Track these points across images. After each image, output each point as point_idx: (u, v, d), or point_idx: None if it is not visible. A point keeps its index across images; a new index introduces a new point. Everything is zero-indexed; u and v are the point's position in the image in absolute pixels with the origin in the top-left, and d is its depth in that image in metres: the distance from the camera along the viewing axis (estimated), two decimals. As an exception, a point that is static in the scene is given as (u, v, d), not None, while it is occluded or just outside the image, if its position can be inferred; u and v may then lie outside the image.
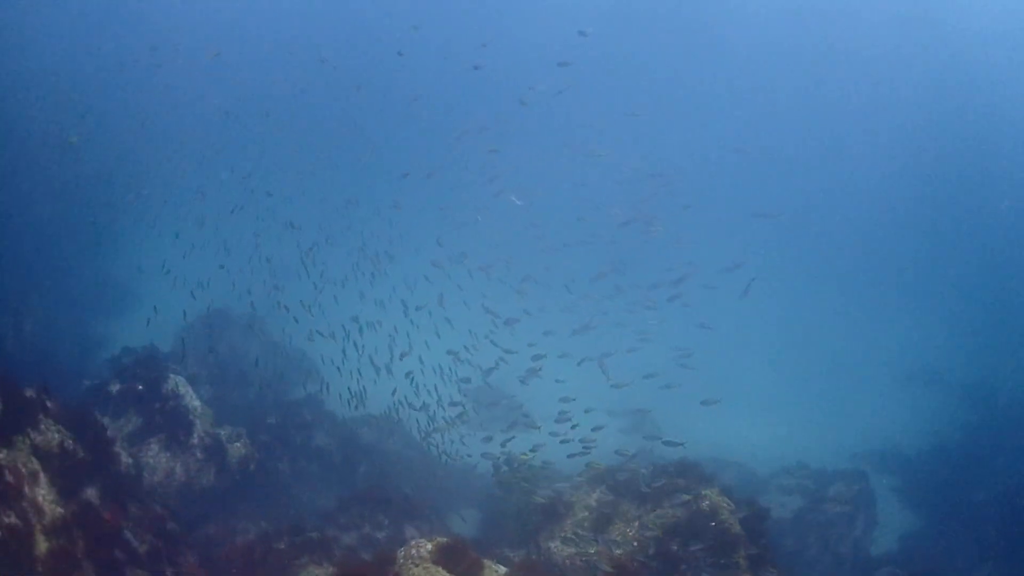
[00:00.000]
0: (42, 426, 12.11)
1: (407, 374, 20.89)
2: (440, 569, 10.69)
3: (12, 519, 9.86)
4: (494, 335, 21.09)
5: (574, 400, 18.51)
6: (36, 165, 33.66)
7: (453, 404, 20.51)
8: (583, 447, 15.87)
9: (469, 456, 19.68)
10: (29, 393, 12.57)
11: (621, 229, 26.09)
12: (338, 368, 21.52)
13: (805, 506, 23.31)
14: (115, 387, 17.55)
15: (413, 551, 11.07)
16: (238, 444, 18.40)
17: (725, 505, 14.06)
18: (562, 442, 16.68)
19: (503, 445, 17.97)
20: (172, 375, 18.58)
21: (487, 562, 11.49)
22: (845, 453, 30.62)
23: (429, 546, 11.18)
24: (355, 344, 21.38)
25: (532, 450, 17.96)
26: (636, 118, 35.94)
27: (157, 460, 16.54)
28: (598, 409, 20.18)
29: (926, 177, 68.27)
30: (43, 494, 10.88)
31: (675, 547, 13.20)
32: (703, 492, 14.58)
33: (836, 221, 71.78)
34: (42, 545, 10.13)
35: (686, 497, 14.40)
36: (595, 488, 16.39)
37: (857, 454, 30.76)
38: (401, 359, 21.10)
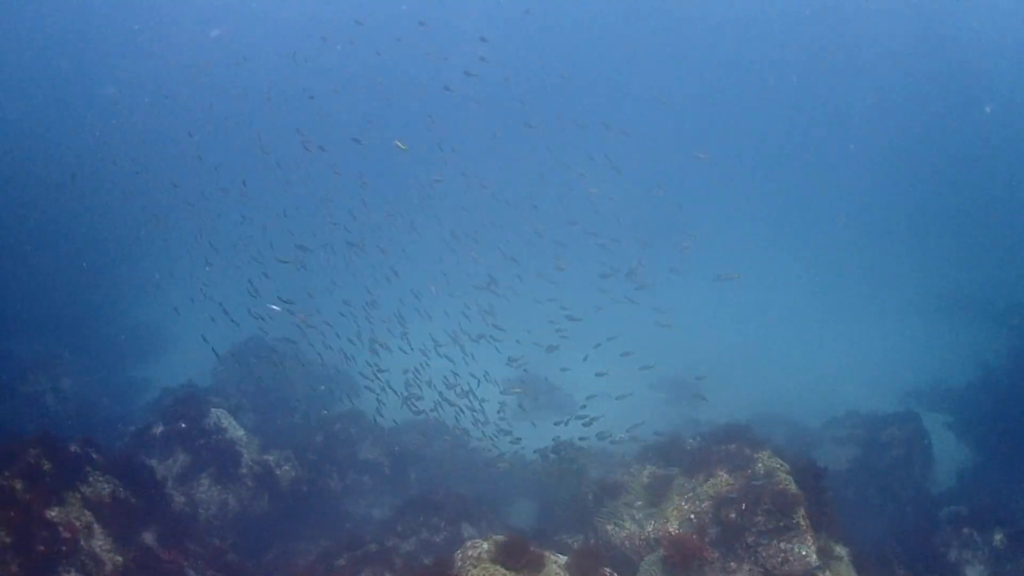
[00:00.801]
0: (91, 478, 12.25)
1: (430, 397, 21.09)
2: (499, 568, 10.65)
3: (72, 574, 9.97)
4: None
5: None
6: (43, 217, 34.07)
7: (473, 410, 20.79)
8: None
9: (518, 444, 19.72)
10: (73, 448, 12.75)
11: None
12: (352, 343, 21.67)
13: (860, 454, 23.01)
14: (158, 429, 17.70)
15: (471, 552, 11.04)
16: (287, 467, 18.51)
17: (779, 466, 13.87)
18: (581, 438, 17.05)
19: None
20: (213, 409, 18.73)
21: (546, 554, 11.44)
22: (895, 394, 30.27)
23: (486, 545, 11.14)
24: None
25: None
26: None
27: (209, 494, 16.68)
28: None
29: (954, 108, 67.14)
30: (100, 544, 10.99)
31: (733, 515, 13.05)
32: (755, 455, 14.42)
33: (862, 162, 71.01)
34: (106, 595, 10.24)
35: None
36: (646, 464, 16.29)
37: (907, 394, 30.40)
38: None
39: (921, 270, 53.36)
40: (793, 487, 13.21)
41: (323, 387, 26.09)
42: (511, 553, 10.99)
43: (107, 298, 33.31)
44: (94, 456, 12.85)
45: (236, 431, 18.48)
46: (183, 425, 17.69)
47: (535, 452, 19.01)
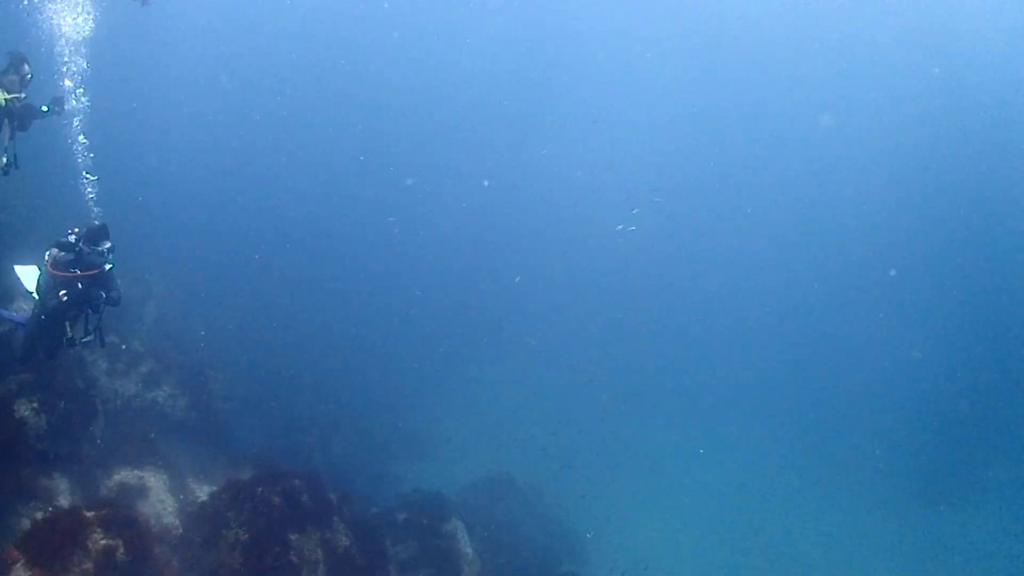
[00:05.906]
0: (335, 527, 13.43)
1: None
2: None
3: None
4: None
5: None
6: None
7: None
8: None
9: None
10: (332, 496, 14.11)
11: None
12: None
13: None
14: (401, 516, 18.84)
15: None
16: (495, 602, 18.69)
17: None
18: None
19: None
20: (455, 518, 19.56)
21: None
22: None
23: None
24: None
25: None
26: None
27: (420, 591, 17.25)
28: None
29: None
30: (317, 582, 11.94)
31: None
32: None
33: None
34: (303, 626, 11.04)
35: None
36: None
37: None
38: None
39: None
40: None
41: (551, 540, 26.29)
42: None
43: (403, 394, 35.96)
44: (345, 510, 14.10)
45: (467, 547, 19.07)
46: (424, 521, 18.67)
47: None
